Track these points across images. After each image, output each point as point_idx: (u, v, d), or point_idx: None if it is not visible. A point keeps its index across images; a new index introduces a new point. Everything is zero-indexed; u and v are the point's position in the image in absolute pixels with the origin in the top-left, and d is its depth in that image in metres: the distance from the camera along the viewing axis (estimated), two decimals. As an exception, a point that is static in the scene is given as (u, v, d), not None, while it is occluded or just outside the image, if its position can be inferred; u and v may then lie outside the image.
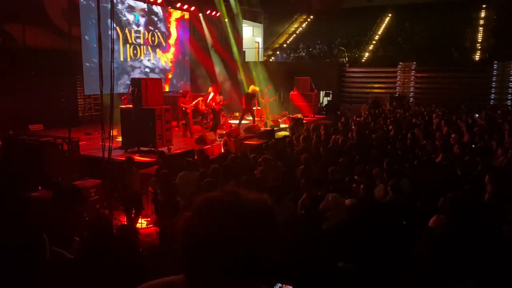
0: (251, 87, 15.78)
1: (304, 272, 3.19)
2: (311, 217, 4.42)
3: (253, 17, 24.82)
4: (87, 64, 14.77)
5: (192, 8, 19.34)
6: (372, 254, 3.64)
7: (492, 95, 19.71)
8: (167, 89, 18.34)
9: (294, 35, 29.04)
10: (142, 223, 7.49)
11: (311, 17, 30.35)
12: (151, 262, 5.01)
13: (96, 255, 3.05)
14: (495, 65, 19.62)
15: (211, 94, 13.54)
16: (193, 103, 13.09)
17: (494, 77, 19.70)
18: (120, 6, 16.06)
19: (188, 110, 12.63)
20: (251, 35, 26.58)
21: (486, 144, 8.18)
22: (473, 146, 8.28)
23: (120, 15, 16.07)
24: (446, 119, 12.24)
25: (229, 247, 0.95)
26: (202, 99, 13.94)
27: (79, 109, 14.99)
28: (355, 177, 5.79)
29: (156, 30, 18.10)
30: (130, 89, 10.26)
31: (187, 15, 19.80)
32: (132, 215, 7.25)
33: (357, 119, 13.46)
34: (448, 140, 8.60)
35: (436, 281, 0.95)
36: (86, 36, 14.68)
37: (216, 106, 13.20)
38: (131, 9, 16.74)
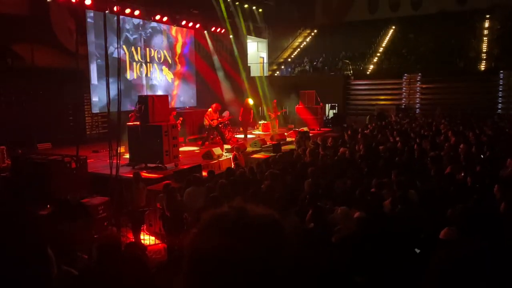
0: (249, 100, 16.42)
1: (315, 286, 3.15)
2: (319, 230, 4.39)
3: (257, 33, 25.06)
4: (94, 82, 14.95)
5: (198, 26, 19.57)
6: (382, 267, 3.59)
7: (499, 104, 19.61)
8: (173, 105, 18.47)
9: (298, 49, 29.22)
10: (150, 239, 7.48)
11: (315, 31, 30.57)
12: (159, 279, 4.97)
13: (105, 273, 3.04)
14: (501, 75, 19.55)
15: (209, 110, 13.80)
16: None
17: (501, 87, 19.61)
18: (126, 25, 16.30)
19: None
20: (256, 50, 26.81)
21: (494, 154, 8.10)
22: (482, 156, 8.21)
23: (126, 33, 16.31)
24: (453, 129, 12.17)
25: (236, 263, 0.95)
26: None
27: (87, 127, 15.11)
28: (372, 189, 5.71)
29: (162, 48, 18.32)
30: (137, 106, 10.34)
31: (192, 33, 20.05)
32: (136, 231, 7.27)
33: (365, 131, 13.43)
34: (456, 151, 8.53)
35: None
36: (93, 55, 14.90)
37: (212, 122, 13.48)
38: (137, 27, 16.98)
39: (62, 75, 13.15)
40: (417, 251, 3.75)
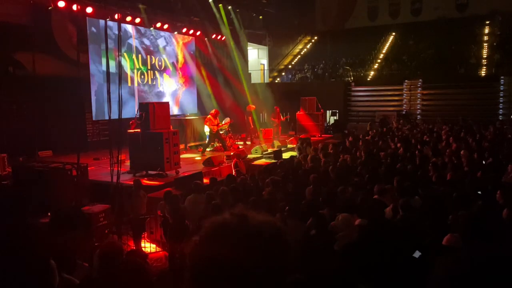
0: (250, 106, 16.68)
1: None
2: (321, 238, 4.36)
3: (258, 40, 25.17)
4: (95, 90, 14.99)
5: (198, 33, 19.66)
6: (385, 274, 3.57)
7: (500, 110, 19.61)
8: (174, 112, 18.50)
9: (299, 56, 29.32)
10: (151, 247, 7.45)
11: (315, 38, 30.69)
12: (161, 287, 4.95)
13: (106, 281, 3.02)
14: (502, 80, 19.58)
15: (208, 117, 13.88)
16: None
17: (502, 92, 19.63)
18: (127, 33, 16.37)
19: None
20: (257, 57, 26.92)
21: (496, 160, 8.08)
22: (483, 162, 8.19)
23: (127, 41, 16.37)
24: (454, 135, 12.16)
25: (238, 271, 0.94)
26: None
27: (88, 134, 15.12)
28: (373, 196, 5.69)
29: (163, 55, 18.39)
30: (138, 114, 10.36)
31: (193, 40, 20.13)
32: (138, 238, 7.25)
33: (366, 138, 13.42)
34: (457, 157, 8.51)
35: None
36: (94, 63, 14.95)
37: (213, 128, 13.54)
38: (138, 35, 17.06)
39: (63, 83, 13.17)
40: (417, 255, 3.71)
